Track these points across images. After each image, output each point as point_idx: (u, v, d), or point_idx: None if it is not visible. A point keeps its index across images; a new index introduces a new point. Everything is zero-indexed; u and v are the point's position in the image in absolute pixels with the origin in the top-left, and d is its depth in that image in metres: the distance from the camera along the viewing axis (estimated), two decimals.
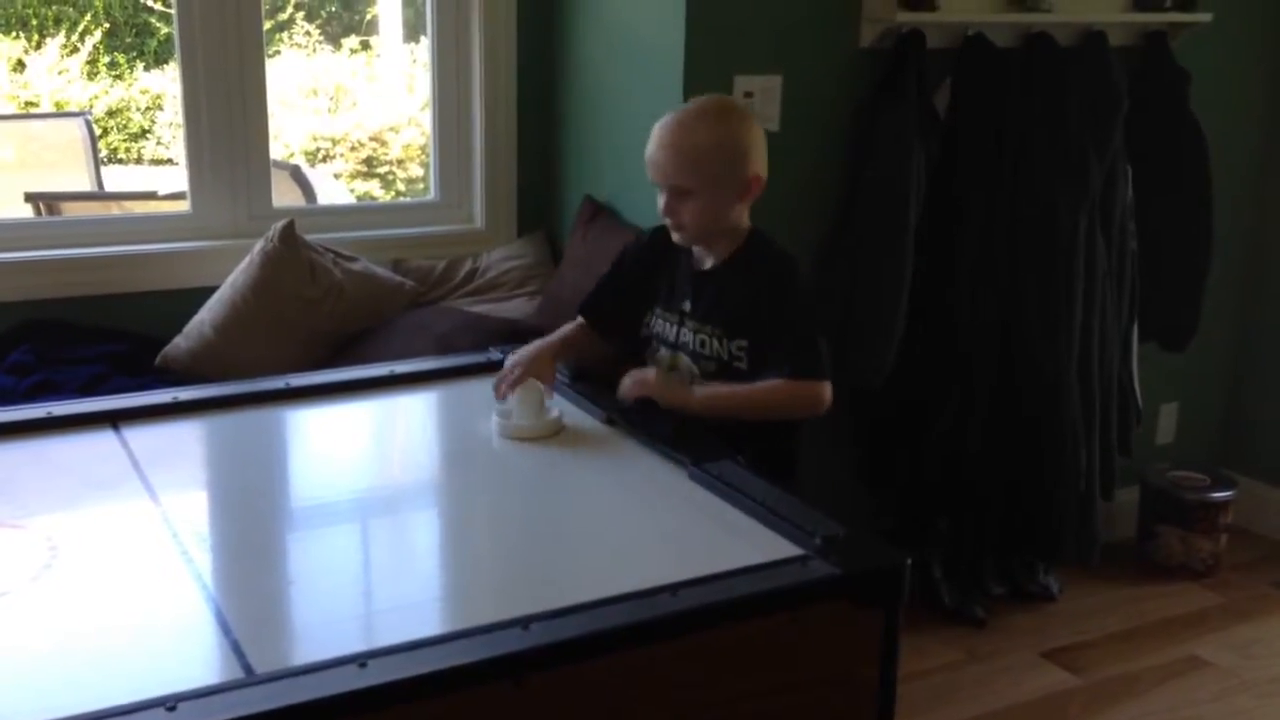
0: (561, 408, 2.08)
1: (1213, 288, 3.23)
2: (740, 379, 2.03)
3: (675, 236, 2.08)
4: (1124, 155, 3.03)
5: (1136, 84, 3.04)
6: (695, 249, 2.11)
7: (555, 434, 1.96)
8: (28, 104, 6.14)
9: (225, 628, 1.38)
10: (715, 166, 1.99)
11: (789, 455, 2.11)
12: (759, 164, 2.04)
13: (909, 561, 1.51)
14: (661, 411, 2.00)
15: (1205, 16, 3.11)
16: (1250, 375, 3.63)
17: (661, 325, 2.13)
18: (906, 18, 2.76)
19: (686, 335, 2.08)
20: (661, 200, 2.05)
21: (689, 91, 2.64)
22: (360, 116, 6.43)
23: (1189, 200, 3.15)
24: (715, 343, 2.05)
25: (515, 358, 2.07)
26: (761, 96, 2.71)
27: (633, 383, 2.05)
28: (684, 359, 2.09)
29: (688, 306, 2.09)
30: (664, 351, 2.12)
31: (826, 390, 2.01)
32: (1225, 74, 3.32)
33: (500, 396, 2.01)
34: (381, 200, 6.04)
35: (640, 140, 2.82)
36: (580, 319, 2.22)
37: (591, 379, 2.15)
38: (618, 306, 2.20)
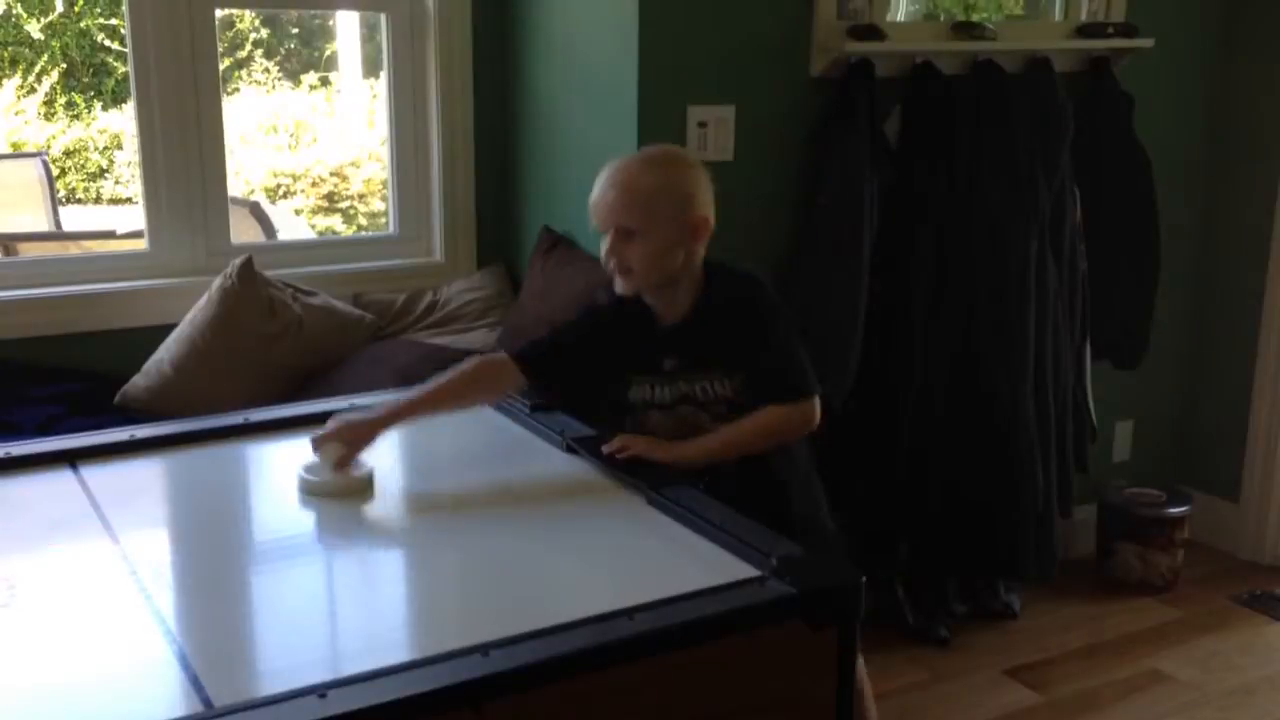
0: (521, 436, 2.09)
1: (1162, 305, 3.29)
2: (749, 410, 2.02)
3: (619, 285, 2.01)
4: (1072, 177, 3.09)
5: (1082, 108, 3.11)
6: (655, 306, 2.05)
7: (355, 492, 1.89)
8: None
9: (185, 663, 1.38)
10: (660, 206, 1.97)
11: (780, 485, 2.10)
12: (705, 207, 2.01)
13: (864, 580, 1.54)
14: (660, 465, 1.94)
15: (1147, 42, 3.18)
16: (1201, 391, 3.69)
17: (646, 391, 2.06)
18: (856, 47, 2.81)
19: (684, 388, 2.04)
20: (605, 245, 2.00)
21: (643, 122, 2.68)
22: (321, 152, 6.44)
23: (1136, 221, 3.21)
24: (718, 385, 2.02)
25: (338, 419, 1.96)
26: (715, 126, 2.75)
27: (622, 444, 1.98)
28: (684, 410, 2.04)
29: (673, 363, 2.04)
30: (656, 415, 2.06)
31: (815, 406, 2.04)
32: (1168, 97, 3.39)
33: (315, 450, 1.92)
34: (344, 235, 6.04)
35: (595, 170, 2.85)
36: (489, 360, 2.09)
37: (554, 409, 2.16)
38: (569, 367, 2.11)
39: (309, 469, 1.90)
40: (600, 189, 2.02)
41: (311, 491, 1.89)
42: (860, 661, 1.86)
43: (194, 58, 2.88)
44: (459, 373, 2.04)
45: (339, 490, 1.88)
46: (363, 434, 1.93)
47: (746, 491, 1.89)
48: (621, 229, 1.98)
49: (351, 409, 2.20)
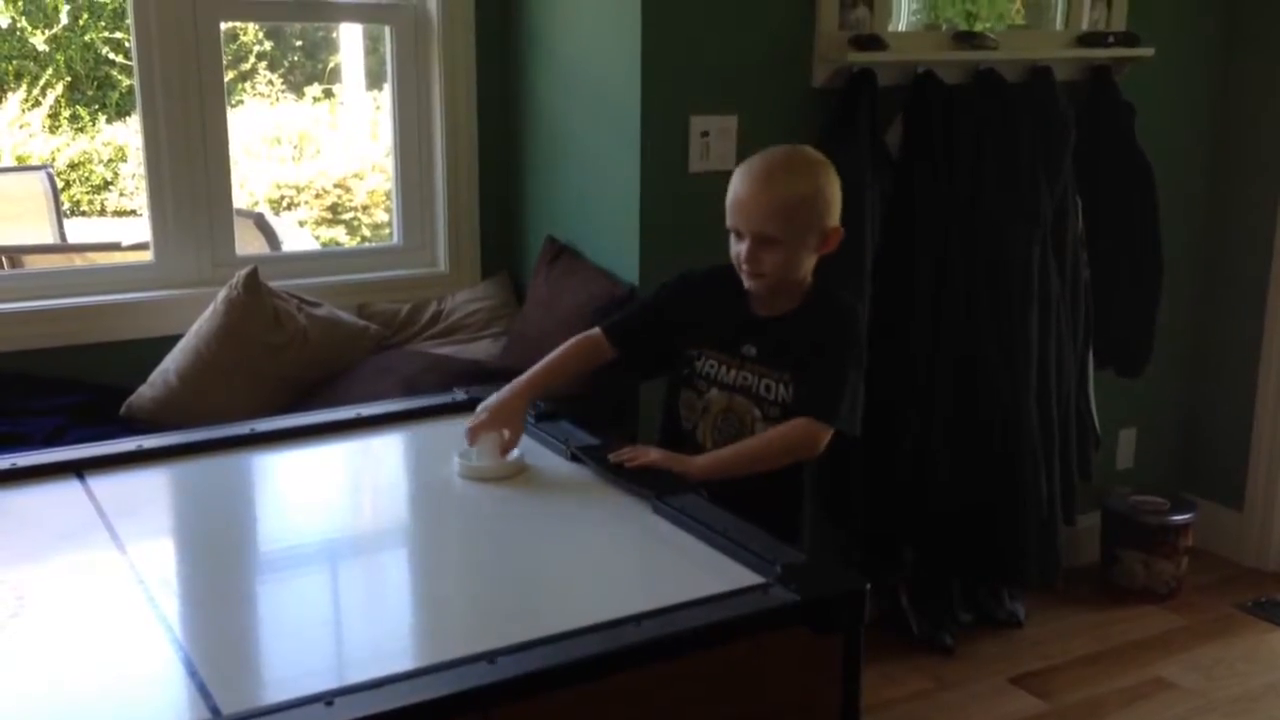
0: (527, 446, 2.10)
1: (1165, 313, 3.30)
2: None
3: (750, 283, 2.07)
4: (1074, 186, 3.10)
5: (1083, 117, 3.12)
6: (755, 294, 2.10)
7: (515, 475, 1.98)
8: None
9: (192, 671, 1.38)
10: (804, 217, 2.02)
11: (796, 508, 2.14)
12: (838, 216, 2.07)
13: (868, 587, 1.54)
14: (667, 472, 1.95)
15: (1148, 51, 3.20)
16: (1205, 399, 3.70)
17: (714, 366, 2.12)
18: (858, 57, 2.83)
19: (749, 379, 2.08)
20: (742, 246, 2.03)
21: (646, 133, 2.69)
22: (324, 164, 6.47)
23: (1138, 229, 3.22)
24: (781, 388, 2.06)
25: (486, 404, 2.07)
26: (717, 137, 2.76)
27: (633, 453, 2.00)
28: (740, 400, 2.09)
29: (752, 351, 2.09)
30: (715, 392, 2.11)
31: (827, 435, 2.03)
32: (1169, 105, 3.40)
33: (470, 443, 2.02)
34: (348, 246, 6.06)
35: (599, 180, 2.89)
36: (586, 336, 2.19)
37: (558, 417, 2.17)
38: (652, 335, 2.19)
39: (465, 454, 2.00)
40: (747, 190, 2.04)
41: (476, 476, 1.97)
42: None
43: (199, 70, 2.89)
44: (561, 350, 2.18)
45: (503, 473, 1.98)
46: (515, 417, 2.05)
47: (761, 498, 1.90)
48: (762, 236, 2.01)
49: (357, 418, 2.22)
